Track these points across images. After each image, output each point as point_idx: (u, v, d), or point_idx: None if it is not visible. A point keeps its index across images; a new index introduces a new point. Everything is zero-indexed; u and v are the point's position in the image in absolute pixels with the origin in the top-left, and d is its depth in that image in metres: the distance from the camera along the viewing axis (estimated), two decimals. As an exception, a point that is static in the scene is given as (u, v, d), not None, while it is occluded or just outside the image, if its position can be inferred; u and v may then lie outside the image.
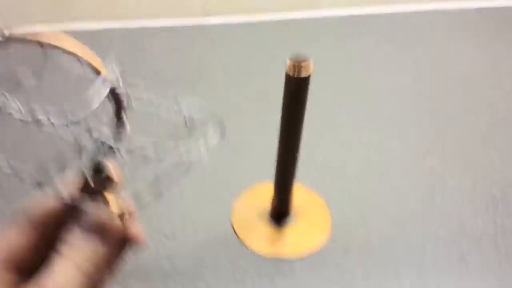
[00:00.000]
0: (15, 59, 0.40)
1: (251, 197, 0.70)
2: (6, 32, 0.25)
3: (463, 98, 0.89)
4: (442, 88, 0.91)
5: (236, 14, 1.10)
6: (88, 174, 0.29)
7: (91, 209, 0.29)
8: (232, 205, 0.69)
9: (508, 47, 1.03)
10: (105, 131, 0.27)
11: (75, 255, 0.27)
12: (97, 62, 0.26)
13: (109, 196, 0.30)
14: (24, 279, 0.28)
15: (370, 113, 0.85)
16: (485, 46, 1.03)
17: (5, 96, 0.25)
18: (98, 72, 0.26)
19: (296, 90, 0.49)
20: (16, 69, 0.28)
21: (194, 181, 0.72)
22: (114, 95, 0.26)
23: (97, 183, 0.29)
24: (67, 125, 0.25)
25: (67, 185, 0.29)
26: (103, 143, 0.27)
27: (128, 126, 0.28)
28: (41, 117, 0.25)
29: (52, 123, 0.25)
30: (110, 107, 0.28)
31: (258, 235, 0.65)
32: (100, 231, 0.29)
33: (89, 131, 0.26)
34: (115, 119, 0.27)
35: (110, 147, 0.28)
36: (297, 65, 0.47)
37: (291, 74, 0.47)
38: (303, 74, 0.47)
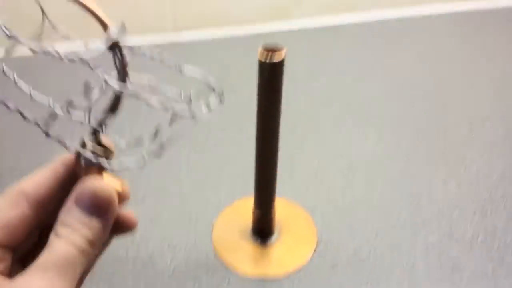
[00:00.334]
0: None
1: (231, 215, 0.67)
2: None
3: (442, 102, 0.87)
4: (420, 92, 0.90)
5: (208, 28, 1.08)
6: (88, 138, 0.29)
7: (89, 183, 0.28)
8: (212, 225, 0.66)
9: (480, 50, 1.02)
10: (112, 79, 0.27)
11: (75, 237, 0.27)
12: (103, 15, 0.26)
13: (103, 170, 0.30)
14: (19, 258, 0.29)
15: (349, 121, 0.83)
16: (458, 50, 1.02)
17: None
18: (103, 24, 0.26)
19: (270, 76, 0.47)
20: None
21: (171, 203, 0.69)
22: (117, 48, 0.27)
23: (95, 149, 0.29)
24: (76, 60, 0.26)
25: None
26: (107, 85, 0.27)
27: (130, 80, 0.28)
28: (50, 49, 0.26)
29: (61, 57, 0.26)
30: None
31: (242, 255, 0.62)
32: (98, 208, 0.28)
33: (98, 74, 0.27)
34: (117, 73, 0.28)
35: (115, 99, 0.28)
36: (270, 52, 0.45)
37: (263, 60, 0.45)
38: (276, 60, 0.45)
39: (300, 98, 0.87)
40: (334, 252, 0.63)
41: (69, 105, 0.28)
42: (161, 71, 0.31)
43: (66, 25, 0.31)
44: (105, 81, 0.27)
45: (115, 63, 0.27)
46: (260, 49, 0.46)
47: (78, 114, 0.29)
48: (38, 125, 0.28)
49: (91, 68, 0.28)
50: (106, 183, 0.29)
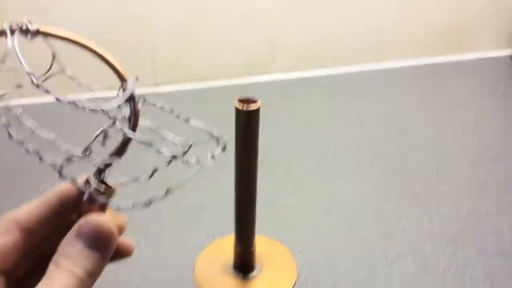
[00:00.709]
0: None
1: (213, 252, 0.68)
2: (34, 26, 0.27)
3: (411, 146, 0.92)
4: (390, 138, 0.95)
5: (187, 82, 1.13)
6: (94, 177, 0.31)
7: (91, 218, 0.30)
8: (195, 262, 0.67)
9: (443, 100, 1.09)
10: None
11: (75, 269, 0.28)
12: (121, 68, 0.29)
13: (105, 205, 0.31)
14: (12, 280, 0.30)
15: (324, 164, 0.87)
16: (423, 99, 1.09)
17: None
18: (122, 78, 0.29)
19: (246, 123, 0.51)
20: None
21: (154, 240, 0.70)
22: (131, 99, 0.30)
23: (99, 188, 0.31)
24: (98, 111, 0.29)
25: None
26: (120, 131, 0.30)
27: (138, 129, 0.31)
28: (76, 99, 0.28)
29: (84, 108, 0.28)
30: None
31: (224, 289, 0.63)
32: (99, 242, 0.29)
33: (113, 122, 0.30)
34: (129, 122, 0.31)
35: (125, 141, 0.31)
36: (246, 103, 0.49)
37: (240, 108, 0.49)
38: (252, 108, 0.49)
39: (277, 144, 0.91)
40: (314, 285, 0.64)
41: (86, 149, 0.30)
42: (164, 118, 0.35)
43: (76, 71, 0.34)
44: (122, 129, 0.30)
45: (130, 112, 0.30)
46: (236, 100, 0.50)
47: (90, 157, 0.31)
48: (53, 167, 0.30)
49: (110, 118, 0.30)
50: (107, 219, 0.30)
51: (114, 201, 0.31)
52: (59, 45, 0.30)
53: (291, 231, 0.73)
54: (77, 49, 0.29)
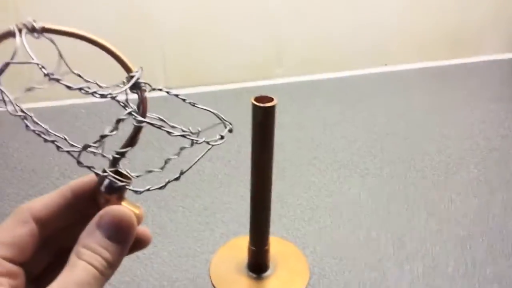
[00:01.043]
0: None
1: (227, 252, 0.70)
2: (39, 24, 0.28)
3: (419, 148, 0.94)
4: (398, 140, 0.96)
5: (196, 86, 1.15)
6: (110, 166, 0.31)
7: (111, 209, 0.30)
8: (209, 262, 0.68)
9: (450, 101, 1.11)
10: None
11: (96, 259, 0.28)
12: (127, 60, 0.30)
13: (122, 196, 0.32)
14: (32, 279, 0.30)
15: (334, 166, 0.88)
16: (430, 101, 1.11)
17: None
18: (128, 69, 0.30)
19: (263, 119, 0.53)
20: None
21: (169, 240, 0.72)
22: (139, 88, 0.30)
23: (115, 179, 0.31)
24: (107, 97, 0.29)
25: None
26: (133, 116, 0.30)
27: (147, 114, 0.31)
28: (84, 86, 0.29)
29: (93, 93, 0.29)
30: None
31: (238, 288, 0.65)
32: (119, 234, 0.30)
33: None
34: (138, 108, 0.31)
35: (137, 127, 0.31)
36: (262, 103, 0.52)
37: (257, 104, 0.51)
38: (269, 105, 0.52)
39: (286, 146, 0.93)
40: (327, 285, 0.66)
41: (100, 138, 0.31)
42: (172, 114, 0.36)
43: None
44: (133, 116, 0.30)
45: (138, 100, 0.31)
46: (253, 98, 0.52)
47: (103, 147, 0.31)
48: (71, 155, 0.31)
49: (121, 104, 0.31)
50: (127, 210, 0.31)
51: (131, 187, 0.32)
52: (64, 46, 0.31)
53: (302, 232, 0.74)
54: (82, 49, 0.30)
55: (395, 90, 1.15)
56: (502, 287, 0.66)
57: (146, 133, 0.31)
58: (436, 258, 0.70)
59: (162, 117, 0.33)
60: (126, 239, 0.30)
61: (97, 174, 0.31)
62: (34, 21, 0.28)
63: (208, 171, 0.86)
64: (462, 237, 0.74)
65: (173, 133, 0.32)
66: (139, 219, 0.32)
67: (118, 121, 0.30)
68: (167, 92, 0.37)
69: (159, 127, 0.31)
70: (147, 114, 0.31)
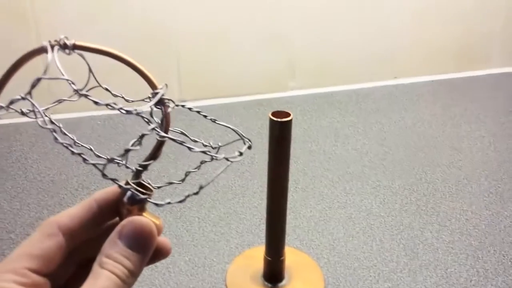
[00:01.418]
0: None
1: (243, 262, 0.71)
2: (71, 41, 0.30)
3: (430, 160, 0.95)
4: (410, 152, 0.98)
5: (211, 99, 1.17)
6: (133, 178, 0.32)
7: (132, 220, 0.31)
8: (226, 271, 0.70)
9: (461, 114, 1.12)
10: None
11: (118, 269, 0.29)
12: (153, 77, 0.31)
13: (143, 207, 0.32)
14: (56, 286, 0.31)
15: (346, 177, 0.90)
16: (441, 114, 1.12)
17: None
18: (152, 86, 0.31)
19: (280, 133, 0.55)
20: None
21: (186, 250, 0.73)
22: (163, 104, 0.31)
23: (138, 188, 0.32)
24: (132, 113, 0.30)
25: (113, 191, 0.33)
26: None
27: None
28: (111, 102, 0.29)
29: (120, 109, 0.29)
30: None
31: (254, 297, 0.66)
32: (140, 244, 0.31)
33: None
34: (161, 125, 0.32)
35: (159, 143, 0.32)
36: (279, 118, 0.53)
37: (274, 119, 0.53)
38: (285, 119, 0.53)
39: (299, 159, 0.95)
40: (341, 295, 0.67)
41: (125, 152, 0.31)
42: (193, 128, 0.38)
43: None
44: (155, 130, 0.31)
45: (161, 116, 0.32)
46: (270, 114, 0.54)
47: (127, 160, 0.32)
48: (97, 167, 0.31)
49: (144, 119, 0.32)
50: (148, 220, 0.32)
51: (152, 200, 0.32)
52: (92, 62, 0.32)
53: (317, 242, 0.76)
54: (108, 66, 0.31)
55: (406, 103, 1.17)
56: (515, 297, 0.67)
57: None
58: (449, 268, 0.71)
59: (184, 132, 0.34)
60: (147, 249, 0.31)
61: (120, 186, 0.32)
62: (66, 38, 0.30)
63: (222, 182, 0.87)
64: (474, 247, 0.75)
65: (193, 149, 0.32)
66: (159, 230, 0.33)
67: (142, 136, 0.31)
68: (189, 109, 0.38)
69: (181, 143, 0.32)
70: (170, 129, 0.33)
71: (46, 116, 0.30)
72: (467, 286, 0.69)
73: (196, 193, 0.33)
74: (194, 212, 0.80)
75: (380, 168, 0.93)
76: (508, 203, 0.84)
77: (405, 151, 0.98)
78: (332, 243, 0.76)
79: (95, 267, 0.29)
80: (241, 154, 0.34)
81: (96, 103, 0.29)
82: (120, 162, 0.32)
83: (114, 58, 0.31)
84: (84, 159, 0.31)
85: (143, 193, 0.32)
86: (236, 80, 1.19)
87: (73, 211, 0.33)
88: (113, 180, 0.32)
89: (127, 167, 0.33)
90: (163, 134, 0.32)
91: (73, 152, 0.31)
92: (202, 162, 0.35)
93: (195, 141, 0.36)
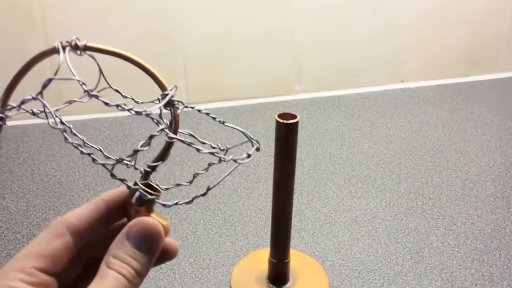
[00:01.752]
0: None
1: (248, 264, 0.71)
2: (82, 43, 0.30)
3: (436, 164, 0.95)
4: (416, 156, 0.97)
5: (218, 102, 1.17)
6: (141, 179, 0.32)
7: (139, 221, 0.31)
8: (231, 273, 0.70)
9: (467, 118, 1.12)
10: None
11: (125, 269, 0.29)
12: (162, 79, 0.31)
13: (151, 208, 0.33)
14: (64, 286, 0.31)
15: (352, 181, 0.90)
16: (447, 118, 1.12)
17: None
18: (162, 87, 0.31)
19: (286, 135, 0.55)
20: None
21: (191, 252, 0.73)
22: (172, 105, 0.32)
23: (147, 188, 0.32)
24: (141, 114, 0.30)
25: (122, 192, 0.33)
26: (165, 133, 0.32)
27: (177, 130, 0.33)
28: (121, 103, 0.30)
29: (129, 110, 0.30)
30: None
31: (259, 299, 0.66)
32: (147, 244, 0.31)
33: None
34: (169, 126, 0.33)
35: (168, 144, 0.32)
36: (285, 120, 0.54)
37: (280, 120, 0.53)
38: (292, 121, 0.53)
39: (304, 161, 0.95)
40: (345, 297, 0.67)
41: (134, 153, 0.32)
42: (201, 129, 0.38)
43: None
44: (164, 130, 0.31)
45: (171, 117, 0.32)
46: (276, 116, 0.54)
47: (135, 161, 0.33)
48: (106, 167, 0.32)
49: (153, 120, 0.32)
50: (155, 221, 0.32)
51: (160, 200, 0.33)
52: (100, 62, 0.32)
53: (321, 245, 0.76)
54: (114, 67, 0.31)
55: (412, 107, 1.17)
56: (520, 302, 0.67)
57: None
58: (454, 272, 0.71)
59: (193, 133, 0.35)
60: (153, 249, 0.31)
61: (129, 187, 0.32)
62: (78, 39, 0.30)
63: (228, 185, 0.88)
64: (480, 251, 0.75)
65: (202, 150, 0.33)
66: (167, 231, 0.33)
67: (151, 137, 0.32)
68: (199, 111, 0.38)
69: (189, 144, 0.32)
70: (179, 130, 0.33)
71: (57, 116, 0.30)
72: (472, 290, 0.69)
73: (204, 195, 0.34)
74: (200, 214, 0.81)
75: (386, 171, 0.93)
76: (514, 207, 0.84)
77: (411, 154, 0.98)
78: (337, 246, 0.76)
79: (102, 267, 0.29)
80: (249, 156, 0.34)
81: (106, 104, 0.30)
82: (129, 163, 0.32)
83: (126, 60, 0.31)
84: (94, 159, 0.31)
85: (151, 194, 0.32)
86: (242, 83, 1.19)
87: (81, 211, 0.33)
88: (122, 180, 0.32)
89: (136, 168, 0.34)
90: (172, 135, 0.32)
91: (82, 152, 0.31)
92: (210, 164, 0.35)
93: (203, 143, 0.36)
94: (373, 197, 0.86)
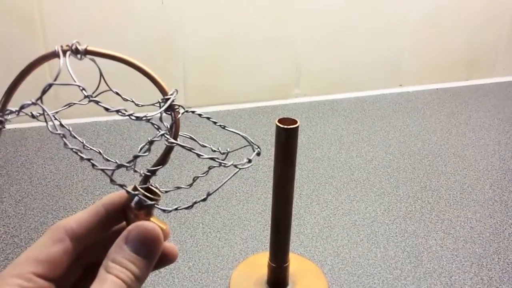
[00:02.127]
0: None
1: (247, 268, 0.71)
2: (83, 47, 0.29)
3: (435, 168, 0.95)
4: (414, 160, 0.98)
5: (216, 106, 1.17)
6: (141, 183, 0.32)
7: (138, 225, 0.31)
8: (230, 277, 0.70)
9: (465, 122, 1.12)
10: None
11: (124, 274, 0.29)
12: (163, 83, 0.31)
13: (150, 212, 0.33)
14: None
15: (351, 185, 0.90)
16: (445, 122, 1.12)
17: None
18: (163, 91, 0.31)
19: (286, 140, 0.55)
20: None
21: (190, 256, 0.73)
22: (173, 110, 0.32)
23: (146, 193, 0.32)
24: (142, 119, 0.30)
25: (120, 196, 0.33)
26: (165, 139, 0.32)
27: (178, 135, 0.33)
28: (121, 109, 0.30)
29: (130, 115, 0.30)
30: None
31: (258, 304, 0.66)
32: (146, 249, 0.31)
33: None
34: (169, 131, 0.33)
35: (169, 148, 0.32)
36: (285, 125, 0.53)
37: (281, 126, 0.53)
38: (291, 126, 0.54)
39: (303, 165, 0.95)
40: (344, 302, 0.67)
41: (134, 158, 0.32)
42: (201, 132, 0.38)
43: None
44: (165, 136, 0.32)
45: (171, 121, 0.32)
46: (276, 121, 0.54)
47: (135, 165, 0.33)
48: (106, 173, 0.31)
49: (154, 125, 0.32)
50: (154, 225, 0.32)
51: (159, 205, 0.33)
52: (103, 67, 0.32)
53: (321, 249, 0.76)
54: (113, 71, 0.32)
55: (411, 111, 1.17)
56: (519, 306, 0.67)
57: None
58: (453, 276, 0.71)
59: (193, 137, 0.35)
60: (152, 254, 0.31)
61: (128, 192, 0.32)
62: (78, 43, 0.30)
63: (227, 188, 0.88)
64: (479, 255, 0.75)
65: (202, 155, 0.33)
66: (166, 235, 0.33)
67: (151, 142, 0.32)
68: (199, 115, 0.38)
69: (189, 149, 0.32)
70: (180, 134, 0.33)
71: (56, 119, 0.30)
72: (471, 294, 0.69)
73: (204, 200, 0.34)
74: (198, 218, 0.81)
75: (385, 175, 0.93)
76: (512, 211, 0.84)
77: (410, 158, 0.98)
78: (336, 250, 0.76)
79: (101, 271, 0.29)
80: (249, 161, 0.34)
81: (106, 109, 0.30)
82: (129, 166, 0.32)
83: (126, 64, 0.31)
84: (93, 165, 0.31)
85: (150, 199, 0.32)
86: (241, 87, 1.19)
87: (80, 216, 0.33)
88: (121, 186, 0.32)
89: (135, 171, 0.33)
90: (172, 140, 0.32)
91: (82, 158, 0.31)
92: (210, 168, 0.35)
93: (204, 146, 0.36)
94: (372, 201, 0.86)
